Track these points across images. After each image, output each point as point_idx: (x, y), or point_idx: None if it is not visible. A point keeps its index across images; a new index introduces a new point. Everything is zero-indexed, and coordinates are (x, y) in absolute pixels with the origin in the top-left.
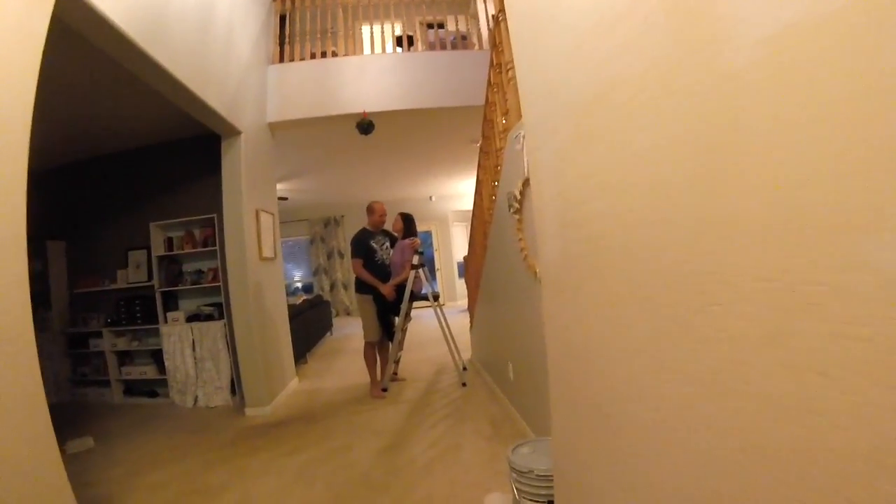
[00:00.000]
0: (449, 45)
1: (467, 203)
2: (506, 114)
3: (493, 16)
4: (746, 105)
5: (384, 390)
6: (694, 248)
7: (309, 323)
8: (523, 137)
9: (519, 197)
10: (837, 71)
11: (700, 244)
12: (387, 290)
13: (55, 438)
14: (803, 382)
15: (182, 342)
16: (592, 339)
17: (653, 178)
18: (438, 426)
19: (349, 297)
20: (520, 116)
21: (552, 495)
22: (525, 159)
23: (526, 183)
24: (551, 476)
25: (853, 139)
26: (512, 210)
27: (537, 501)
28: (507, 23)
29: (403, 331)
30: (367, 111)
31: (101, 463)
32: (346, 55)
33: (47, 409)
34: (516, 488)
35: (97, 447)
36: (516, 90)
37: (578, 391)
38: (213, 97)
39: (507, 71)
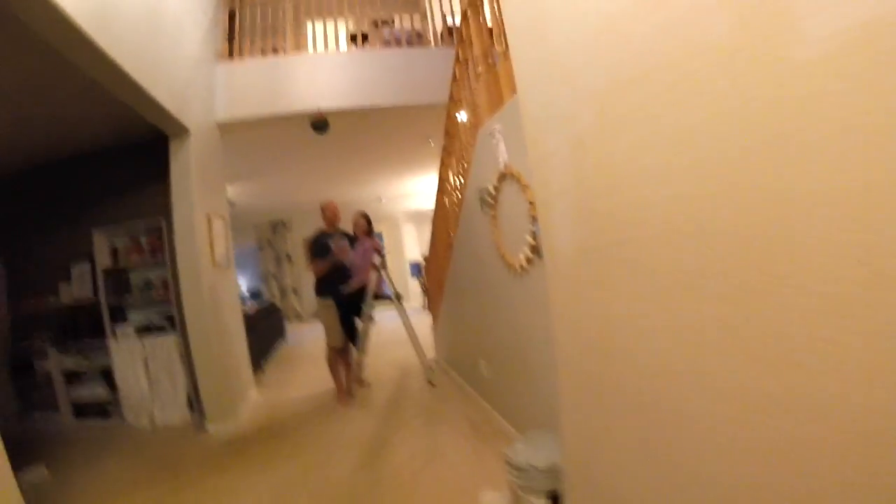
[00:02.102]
0: (404, 43)
1: (418, 202)
2: (474, 110)
3: (462, 10)
4: (814, 97)
5: (351, 396)
6: (753, 231)
7: (264, 331)
8: (499, 132)
9: (494, 193)
10: None
11: (761, 228)
12: (340, 250)
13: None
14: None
15: (133, 358)
16: (620, 330)
17: (703, 161)
18: (416, 432)
19: (299, 303)
20: (491, 111)
21: (554, 489)
22: (502, 154)
23: (501, 178)
24: (552, 469)
25: None
26: (485, 206)
27: (538, 495)
28: (476, 18)
29: (367, 333)
30: (321, 108)
31: (58, 495)
32: (296, 52)
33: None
34: (516, 483)
35: (52, 478)
36: (486, 85)
37: (598, 383)
38: (163, 93)
39: (477, 66)
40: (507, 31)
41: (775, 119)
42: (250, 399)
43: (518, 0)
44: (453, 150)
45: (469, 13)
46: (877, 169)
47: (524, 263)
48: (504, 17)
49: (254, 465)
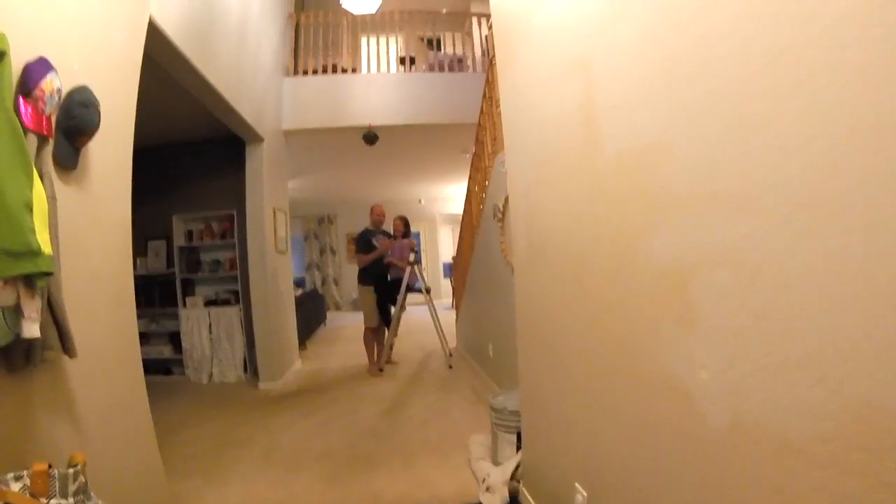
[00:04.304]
0: (446, 68)
1: (454, 207)
2: (493, 140)
3: (489, 59)
4: (608, 183)
5: (381, 370)
6: (587, 245)
7: (308, 313)
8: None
9: (501, 209)
10: (639, 182)
11: (593, 245)
12: (385, 244)
13: (145, 391)
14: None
15: (199, 324)
16: (541, 300)
17: (568, 210)
18: (430, 396)
19: (339, 293)
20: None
21: (520, 427)
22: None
23: (506, 199)
24: (518, 412)
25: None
26: (496, 218)
27: (509, 431)
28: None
29: (398, 319)
30: (372, 124)
31: None
32: (353, 71)
33: (141, 365)
34: (494, 423)
35: None
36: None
37: (536, 341)
38: (245, 108)
39: (496, 107)
40: (501, 99)
41: (591, 190)
42: (295, 367)
43: (507, 78)
44: (479, 167)
45: (494, 60)
46: (630, 214)
47: None
48: (500, 86)
49: (298, 411)
